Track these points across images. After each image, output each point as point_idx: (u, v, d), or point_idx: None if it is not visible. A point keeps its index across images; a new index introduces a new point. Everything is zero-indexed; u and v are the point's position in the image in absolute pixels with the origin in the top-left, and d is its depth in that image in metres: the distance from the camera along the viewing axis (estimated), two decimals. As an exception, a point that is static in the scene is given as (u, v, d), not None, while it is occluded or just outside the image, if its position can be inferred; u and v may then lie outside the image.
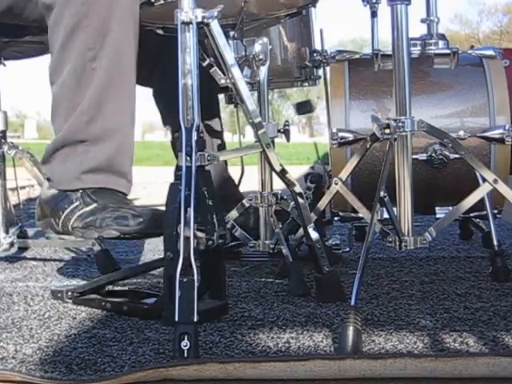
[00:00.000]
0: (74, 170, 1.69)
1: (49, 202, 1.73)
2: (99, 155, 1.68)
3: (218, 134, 2.38)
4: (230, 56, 1.59)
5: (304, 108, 2.35)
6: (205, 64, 1.70)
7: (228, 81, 1.65)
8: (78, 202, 1.67)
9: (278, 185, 1.87)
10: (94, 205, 1.65)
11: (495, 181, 1.66)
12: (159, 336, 1.43)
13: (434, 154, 1.99)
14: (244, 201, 1.96)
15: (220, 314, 1.55)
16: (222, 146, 2.38)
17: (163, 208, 1.45)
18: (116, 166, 1.70)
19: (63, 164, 1.71)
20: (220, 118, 2.43)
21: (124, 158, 1.71)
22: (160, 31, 1.87)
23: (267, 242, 1.93)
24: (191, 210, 1.34)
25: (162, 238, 1.42)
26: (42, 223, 1.77)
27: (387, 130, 1.58)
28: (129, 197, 1.74)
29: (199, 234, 1.37)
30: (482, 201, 1.78)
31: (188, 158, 1.40)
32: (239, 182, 2.46)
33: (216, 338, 1.41)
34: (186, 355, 1.23)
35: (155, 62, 2.22)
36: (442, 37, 2.14)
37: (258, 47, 1.83)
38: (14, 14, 1.79)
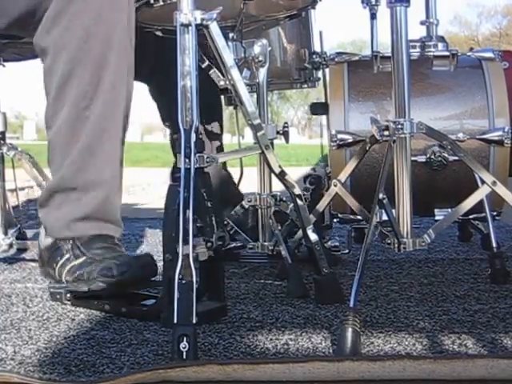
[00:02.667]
0: (65, 219, 1.72)
1: (46, 251, 1.77)
2: (88, 204, 1.70)
3: (217, 137, 2.38)
4: (229, 58, 1.59)
5: (320, 109, 2.32)
6: (204, 65, 1.70)
7: (227, 82, 1.65)
8: (68, 255, 1.70)
9: (278, 186, 1.87)
10: (83, 258, 1.67)
11: (494, 183, 1.66)
12: (158, 337, 1.43)
13: (433, 156, 1.99)
14: (243, 202, 1.96)
15: (219, 316, 1.54)
16: (220, 149, 2.38)
17: (162, 209, 1.45)
18: (104, 214, 1.72)
19: (58, 210, 1.74)
20: (221, 120, 2.42)
21: (112, 206, 1.74)
22: (159, 33, 1.87)
23: (266, 243, 1.93)
24: (190, 212, 1.34)
25: (160, 241, 1.42)
26: (42, 270, 1.82)
27: (386, 132, 1.58)
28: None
29: (199, 249, 1.38)
30: (481, 203, 1.78)
31: (187, 160, 1.40)
32: (238, 183, 2.46)
33: (215, 340, 1.41)
34: (184, 357, 1.23)
35: (155, 59, 2.22)
36: (442, 39, 2.14)
37: (257, 49, 1.83)
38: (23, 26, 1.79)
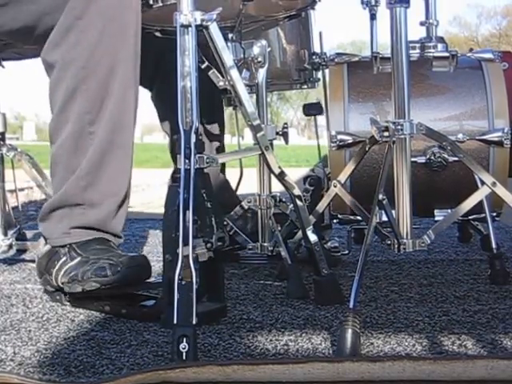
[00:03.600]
0: (65, 228, 1.70)
1: (43, 259, 1.75)
2: (91, 217, 1.69)
3: (218, 137, 2.37)
4: (228, 58, 1.59)
5: (313, 109, 2.32)
6: (203, 66, 1.70)
7: (227, 83, 1.65)
8: (65, 258, 1.68)
9: (277, 187, 1.87)
10: (79, 258, 1.65)
11: (494, 184, 1.66)
12: (158, 338, 1.43)
13: (432, 157, 1.99)
14: (243, 203, 1.96)
15: (219, 317, 1.54)
16: (221, 149, 2.38)
17: (162, 209, 1.45)
18: (105, 227, 1.71)
19: (59, 223, 1.72)
20: (222, 120, 2.42)
21: (115, 220, 1.72)
22: (158, 34, 1.87)
23: (266, 244, 1.93)
24: (190, 213, 1.34)
25: (160, 242, 1.43)
26: (41, 281, 1.79)
27: (386, 133, 1.58)
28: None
29: (199, 250, 1.37)
30: (480, 203, 1.78)
31: (187, 161, 1.40)
32: (238, 184, 2.46)
33: (215, 341, 1.41)
34: (184, 358, 1.23)
35: (157, 64, 2.22)
36: (441, 40, 2.14)
37: (256, 49, 1.83)
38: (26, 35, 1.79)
